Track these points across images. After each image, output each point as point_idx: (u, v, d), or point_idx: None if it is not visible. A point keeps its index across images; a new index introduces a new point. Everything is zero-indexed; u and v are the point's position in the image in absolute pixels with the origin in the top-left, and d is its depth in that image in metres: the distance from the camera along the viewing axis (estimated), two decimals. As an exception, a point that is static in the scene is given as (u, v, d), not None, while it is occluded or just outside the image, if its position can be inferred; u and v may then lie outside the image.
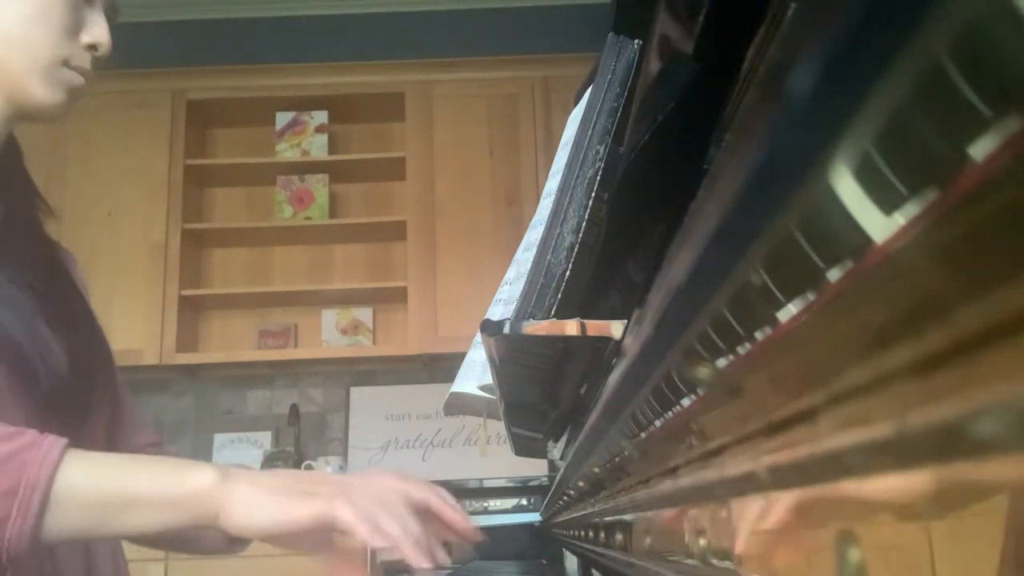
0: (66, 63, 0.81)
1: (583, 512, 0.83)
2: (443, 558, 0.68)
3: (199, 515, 0.63)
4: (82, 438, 0.80)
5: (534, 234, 0.73)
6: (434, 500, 0.72)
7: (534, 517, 2.54)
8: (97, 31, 0.84)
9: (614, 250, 0.59)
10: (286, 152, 3.20)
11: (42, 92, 0.80)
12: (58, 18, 0.80)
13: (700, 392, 0.29)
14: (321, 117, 3.23)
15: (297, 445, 3.01)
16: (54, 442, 0.63)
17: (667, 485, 0.38)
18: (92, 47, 0.84)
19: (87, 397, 0.82)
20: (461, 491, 2.75)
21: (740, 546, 0.26)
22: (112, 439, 0.92)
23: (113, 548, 0.88)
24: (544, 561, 1.64)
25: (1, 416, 0.68)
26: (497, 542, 1.79)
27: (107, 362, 0.90)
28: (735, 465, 0.26)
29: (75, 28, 0.82)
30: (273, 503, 0.63)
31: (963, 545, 0.14)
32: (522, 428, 0.96)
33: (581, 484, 0.77)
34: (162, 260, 2.99)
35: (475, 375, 0.86)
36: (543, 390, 0.75)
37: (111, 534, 0.64)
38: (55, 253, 0.92)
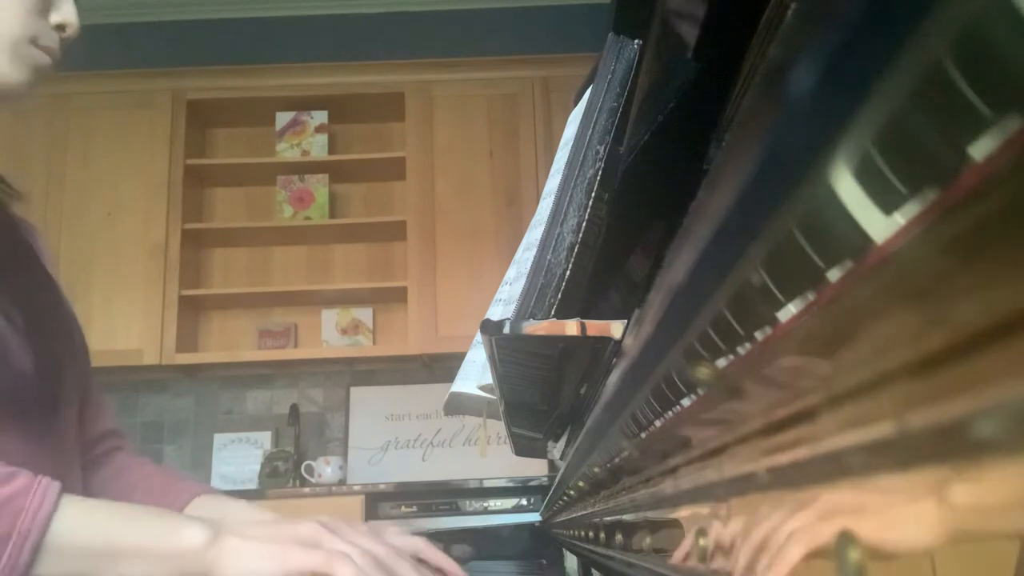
0: (34, 41, 0.80)
1: (583, 512, 0.83)
2: None
3: (190, 571, 0.63)
4: (53, 435, 0.80)
5: (534, 234, 0.73)
6: (424, 548, 0.76)
7: (534, 517, 2.54)
8: (66, 10, 0.83)
9: (614, 250, 0.60)
10: (286, 152, 3.20)
11: (8, 69, 0.79)
12: None
13: (700, 392, 0.29)
14: (321, 117, 3.23)
15: (297, 445, 3.01)
16: (48, 487, 0.62)
17: (667, 485, 0.38)
18: (61, 27, 0.83)
19: (55, 393, 0.80)
20: (461, 491, 2.76)
21: (739, 548, 0.26)
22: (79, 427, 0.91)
23: None
24: (544, 561, 1.64)
25: None
26: (497, 542, 1.78)
27: (77, 349, 0.88)
28: (735, 465, 0.26)
29: (44, 7, 0.81)
30: (267, 553, 0.63)
31: (963, 545, 0.14)
32: (522, 428, 0.96)
33: (581, 484, 0.77)
34: (162, 260, 2.99)
35: (475, 375, 0.86)
36: (543, 390, 0.75)
37: None
38: (18, 235, 0.90)
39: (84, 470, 0.92)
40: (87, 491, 0.92)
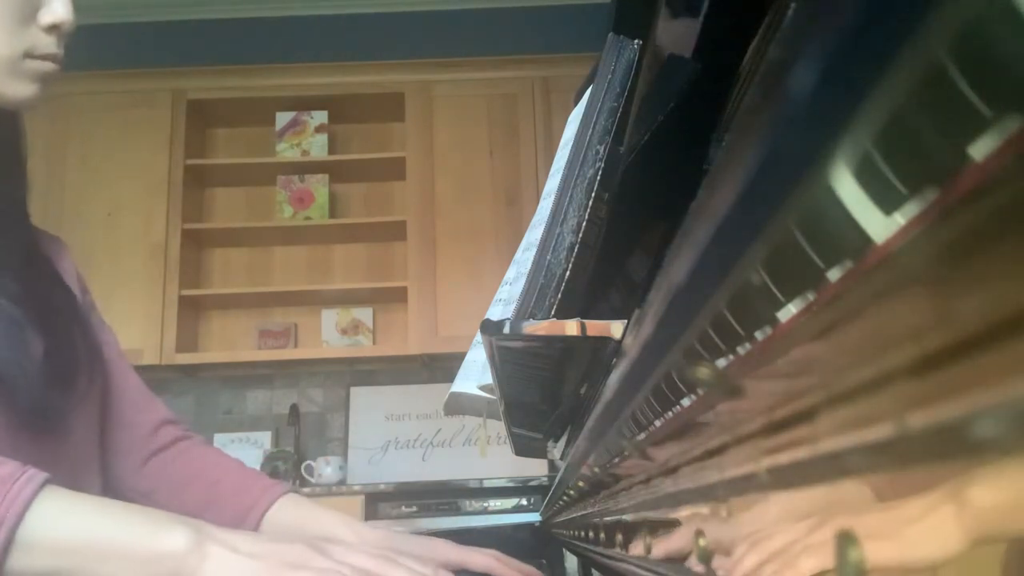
0: (29, 54, 0.74)
1: (583, 512, 0.83)
2: None
3: (171, 575, 0.61)
4: (70, 446, 0.79)
5: (534, 234, 0.73)
6: (496, 567, 0.76)
7: (534, 517, 2.54)
8: (56, 7, 0.75)
9: (614, 250, 0.60)
10: (286, 152, 3.20)
11: (11, 90, 0.74)
12: (7, 9, 0.72)
13: (700, 392, 0.29)
14: (321, 117, 3.23)
15: (297, 445, 3.01)
16: (29, 480, 0.59)
17: (667, 485, 0.38)
18: (54, 27, 0.75)
19: (66, 404, 0.79)
20: (461, 491, 2.76)
21: (738, 547, 0.26)
22: (113, 426, 0.90)
23: None
24: (544, 561, 1.64)
25: None
26: (497, 542, 1.78)
27: (92, 359, 0.86)
28: (735, 465, 0.26)
29: (30, 12, 0.74)
30: (252, 569, 0.60)
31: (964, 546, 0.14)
32: (522, 428, 0.96)
33: (581, 484, 0.77)
34: (162, 260, 2.99)
35: (475, 375, 0.86)
36: (543, 390, 0.75)
37: None
38: (37, 246, 0.87)
39: (145, 462, 0.93)
40: (150, 482, 0.92)
